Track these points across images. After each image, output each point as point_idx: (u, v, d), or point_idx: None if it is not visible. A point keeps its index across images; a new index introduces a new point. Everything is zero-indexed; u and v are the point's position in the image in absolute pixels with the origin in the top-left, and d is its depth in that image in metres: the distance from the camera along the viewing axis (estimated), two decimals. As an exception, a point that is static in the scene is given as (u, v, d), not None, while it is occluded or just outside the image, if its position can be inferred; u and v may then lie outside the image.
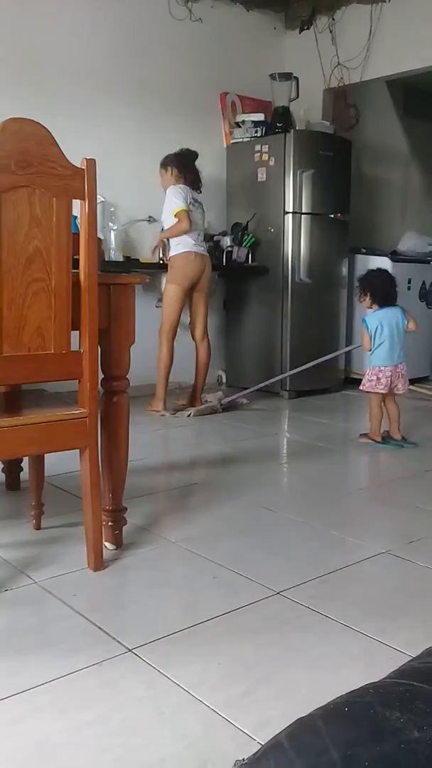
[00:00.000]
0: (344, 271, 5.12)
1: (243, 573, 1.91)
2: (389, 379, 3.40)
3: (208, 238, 4.94)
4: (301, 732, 0.70)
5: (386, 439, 3.44)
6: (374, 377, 3.43)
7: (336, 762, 0.65)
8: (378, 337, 3.41)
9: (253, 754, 0.72)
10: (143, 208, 4.72)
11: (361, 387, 3.50)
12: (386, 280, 3.54)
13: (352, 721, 0.70)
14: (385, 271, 3.72)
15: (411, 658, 0.95)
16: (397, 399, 3.49)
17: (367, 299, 3.48)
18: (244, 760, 0.80)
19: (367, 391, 3.46)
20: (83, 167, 1.75)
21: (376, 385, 3.41)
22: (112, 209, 4.50)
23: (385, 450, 3.36)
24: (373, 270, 3.66)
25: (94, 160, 1.77)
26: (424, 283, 5.55)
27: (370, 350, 3.45)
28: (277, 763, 0.68)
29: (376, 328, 3.42)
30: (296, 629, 1.62)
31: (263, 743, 1.17)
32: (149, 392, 4.68)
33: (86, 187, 1.75)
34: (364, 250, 5.32)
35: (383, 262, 5.15)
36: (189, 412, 4.07)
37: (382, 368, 3.41)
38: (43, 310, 1.73)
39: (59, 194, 1.71)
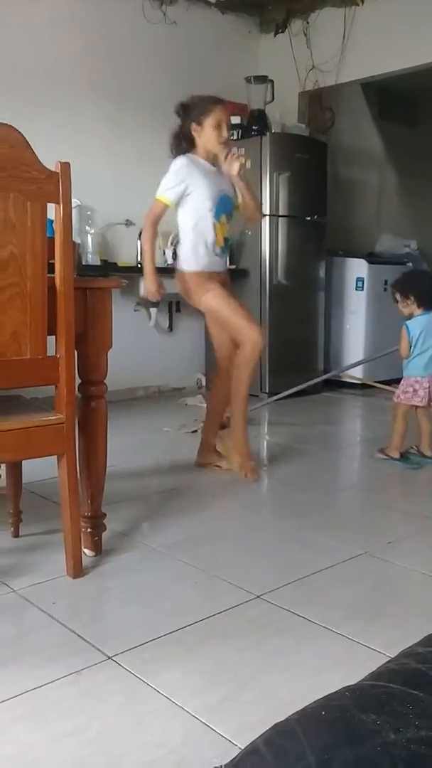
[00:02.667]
0: (322, 273, 5.14)
1: (223, 577, 1.91)
2: (427, 390, 3.09)
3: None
4: (278, 737, 0.69)
5: (405, 456, 3.15)
6: (410, 388, 3.12)
7: (313, 766, 0.64)
8: (420, 345, 3.10)
9: (231, 761, 0.72)
10: (120, 211, 4.71)
11: (395, 399, 3.18)
12: (430, 281, 3.25)
13: (328, 724, 0.69)
14: (428, 272, 3.48)
15: (389, 659, 0.95)
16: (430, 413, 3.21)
17: (411, 303, 3.14)
18: (221, 766, 0.80)
19: (402, 403, 3.14)
20: (57, 171, 1.74)
21: (413, 397, 3.10)
22: (88, 213, 4.48)
23: (403, 468, 3.08)
24: (413, 271, 3.28)
25: (68, 163, 1.76)
26: (400, 284, 5.59)
27: (408, 357, 3.13)
28: None
29: (420, 333, 3.10)
30: (276, 632, 1.62)
31: (243, 748, 1.17)
32: (127, 397, 4.67)
33: (61, 190, 1.74)
34: (341, 252, 5.35)
35: (360, 264, 5.19)
36: (195, 428, 3.76)
37: (419, 379, 3.10)
38: (19, 315, 1.71)
39: (33, 198, 1.70)
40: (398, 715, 0.68)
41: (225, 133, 2.85)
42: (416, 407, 3.14)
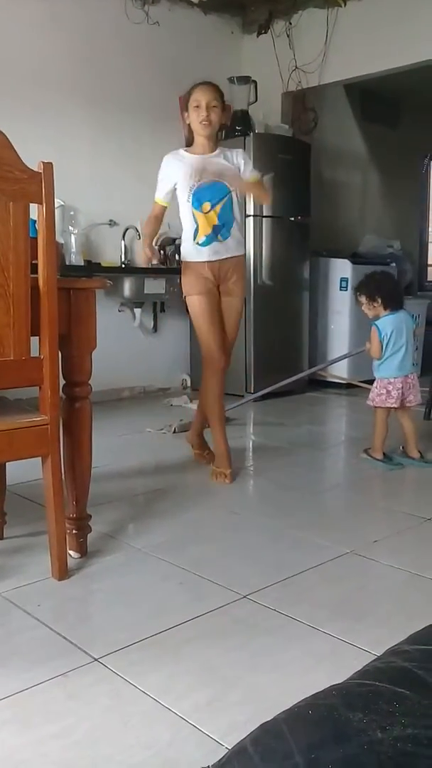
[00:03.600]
0: (306, 273, 5.16)
1: (209, 577, 1.91)
2: (400, 391, 3.05)
3: (169, 241, 4.94)
4: (265, 737, 0.69)
5: (389, 457, 3.11)
6: (384, 390, 3.07)
7: (300, 766, 0.64)
8: (391, 345, 3.07)
9: (218, 761, 0.72)
10: (104, 211, 4.70)
11: (369, 402, 3.14)
12: (395, 281, 3.20)
13: (315, 724, 0.69)
14: (390, 273, 3.46)
15: (375, 657, 0.95)
16: (409, 412, 3.17)
17: (378, 305, 3.13)
18: (209, 767, 0.79)
19: (376, 407, 3.11)
20: (40, 171, 1.73)
21: (386, 399, 3.05)
22: (71, 213, 4.46)
23: (384, 469, 3.05)
24: (375, 273, 3.28)
25: (51, 163, 1.75)
26: (384, 284, 5.62)
27: (380, 358, 3.09)
28: None
29: (391, 333, 3.07)
30: (263, 632, 1.62)
31: (231, 748, 1.17)
32: (112, 397, 4.65)
33: (43, 190, 1.73)
34: (325, 253, 5.37)
35: (344, 265, 5.21)
36: (173, 428, 3.79)
37: (392, 380, 3.06)
38: (2, 316, 1.70)
39: (16, 198, 1.69)
40: (385, 713, 0.68)
41: (203, 113, 2.81)
42: (389, 408, 3.10)
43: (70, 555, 1.97)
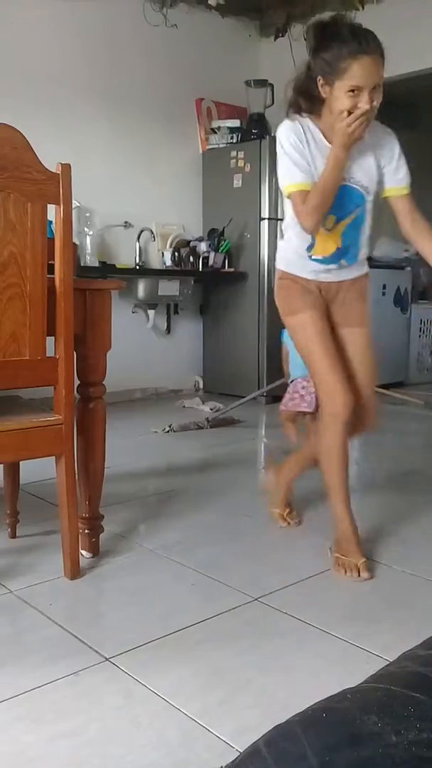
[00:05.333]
0: (320, 276, 5.15)
1: (220, 579, 1.91)
2: (313, 395, 2.42)
3: (184, 243, 4.95)
4: (279, 738, 0.69)
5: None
6: (296, 394, 2.51)
7: (314, 767, 0.64)
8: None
9: (231, 762, 0.72)
10: (119, 213, 4.72)
11: (281, 407, 2.59)
12: None
13: (330, 726, 0.69)
14: None
15: (388, 662, 0.95)
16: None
17: None
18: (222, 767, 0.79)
19: (294, 412, 2.56)
20: (58, 172, 1.74)
21: (300, 403, 2.50)
22: (87, 214, 4.49)
23: None
24: None
25: (69, 164, 1.76)
26: (398, 288, 5.61)
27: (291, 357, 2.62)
28: None
29: None
30: (274, 635, 1.62)
31: (241, 750, 1.16)
32: (124, 398, 4.67)
33: (61, 191, 1.74)
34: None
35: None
36: (171, 426, 3.79)
37: (304, 382, 2.45)
38: (18, 316, 1.71)
39: (34, 199, 1.70)
40: (400, 717, 0.68)
41: (365, 99, 1.87)
42: (304, 414, 2.54)
43: (82, 554, 1.98)
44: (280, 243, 2.14)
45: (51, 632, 1.61)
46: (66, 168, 1.75)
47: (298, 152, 1.91)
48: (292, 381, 2.85)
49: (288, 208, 2.02)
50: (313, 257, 2.04)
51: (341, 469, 2.03)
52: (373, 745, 0.66)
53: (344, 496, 2.06)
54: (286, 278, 2.10)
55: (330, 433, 2.02)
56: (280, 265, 2.12)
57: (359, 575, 1.94)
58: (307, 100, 1.96)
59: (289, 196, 1.94)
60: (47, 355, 1.78)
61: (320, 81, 1.89)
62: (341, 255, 2.05)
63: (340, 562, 1.99)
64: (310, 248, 2.03)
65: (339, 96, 1.86)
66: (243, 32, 5.45)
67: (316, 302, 2.06)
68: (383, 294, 5.41)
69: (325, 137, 1.93)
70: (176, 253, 4.85)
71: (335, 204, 1.94)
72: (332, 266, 2.06)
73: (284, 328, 2.99)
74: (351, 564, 1.97)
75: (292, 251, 2.08)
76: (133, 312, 4.86)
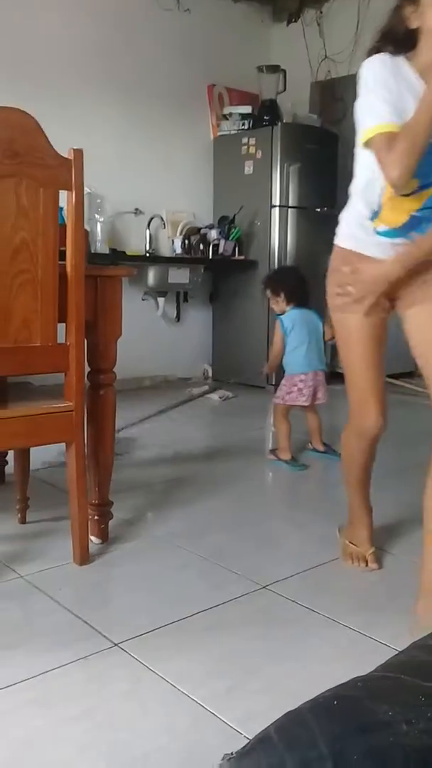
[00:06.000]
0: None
1: (229, 567, 1.91)
2: (312, 388, 2.98)
3: (194, 231, 4.93)
4: (290, 725, 0.69)
5: (295, 457, 3.00)
6: (294, 388, 2.98)
7: (325, 755, 0.64)
8: (292, 339, 3.01)
9: (242, 748, 0.72)
10: (130, 200, 4.70)
11: (277, 401, 3.03)
12: (300, 277, 3.21)
13: (341, 714, 0.69)
14: (297, 268, 3.38)
15: (396, 651, 0.95)
16: (316, 408, 3.09)
17: (281, 300, 3.09)
18: (232, 753, 0.80)
19: (290, 405, 3.00)
20: (70, 158, 1.73)
21: (297, 398, 2.97)
22: (98, 201, 4.47)
23: (289, 470, 2.92)
24: (283, 267, 3.24)
25: (81, 150, 1.75)
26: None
27: (281, 353, 3.03)
28: (266, 757, 0.67)
29: (291, 327, 3.01)
30: (282, 623, 1.62)
31: (250, 737, 1.17)
32: (133, 386, 4.67)
33: (73, 177, 1.73)
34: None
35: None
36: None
37: (302, 376, 2.98)
38: (30, 302, 1.71)
39: (46, 185, 1.70)
40: (410, 706, 0.68)
41: None
42: (302, 407, 3.00)
43: (91, 540, 1.98)
44: (342, 215, 1.76)
45: (60, 617, 1.62)
46: (78, 153, 1.74)
47: (387, 88, 1.52)
48: (287, 376, 2.96)
49: (361, 164, 1.65)
50: (378, 229, 1.66)
51: (362, 471, 1.95)
52: (384, 733, 0.66)
53: (364, 492, 1.99)
54: (348, 256, 1.71)
55: (354, 447, 1.91)
56: (342, 240, 1.75)
57: (367, 566, 1.92)
58: (394, 43, 1.57)
59: (368, 143, 1.55)
60: (58, 341, 1.78)
61: (406, 6, 1.53)
62: (413, 226, 1.63)
63: (349, 551, 1.96)
64: (374, 217, 1.65)
65: (429, 8, 1.48)
66: (255, 17, 5.39)
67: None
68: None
69: (420, 77, 1.53)
70: (186, 241, 4.83)
71: (422, 166, 1.51)
72: (400, 240, 1.65)
73: (280, 315, 3.05)
74: (359, 553, 1.94)
75: (356, 222, 1.69)
76: (142, 299, 4.85)
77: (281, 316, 3.11)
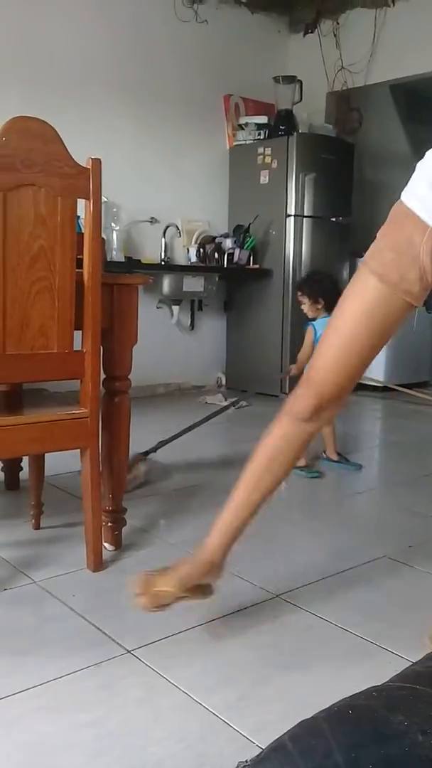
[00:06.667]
0: (345, 275, 5.12)
1: (242, 576, 1.91)
2: None
3: (209, 239, 4.95)
4: (305, 734, 0.69)
5: (309, 464, 3.02)
6: None
7: (340, 765, 0.64)
8: None
9: (256, 756, 0.72)
10: (145, 209, 4.73)
11: None
12: (336, 285, 3.16)
13: (356, 724, 0.69)
14: (331, 275, 3.40)
15: (410, 662, 0.94)
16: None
17: (320, 307, 3.06)
18: (246, 761, 0.79)
19: None
20: (88, 167, 1.75)
21: None
22: (114, 209, 4.50)
23: (300, 477, 2.93)
24: (319, 273, 3.23)
25: (99, 159, 1.77)
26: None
27: (309, 358, 2.79)
28: (281, 765, 0.67)
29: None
30: (295, 632, 1.62)
31: (262, 746, 1.17)
32: (147, 393, 4.68)
33: (91, 186, 1.75)
34: (365, 255, 5.32)
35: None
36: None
37: None
38: (47, 309, 1.73)
39: (64, 193, 1.71)
40: (426, 717, 0.68)
41: None
42: None
43: (105, 547, 1.99)
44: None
45: (73, 623, 1.63)
46: (96, 163, 1.75)
47: None
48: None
49: None
50: None
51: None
52: (399, 743, 0.66)
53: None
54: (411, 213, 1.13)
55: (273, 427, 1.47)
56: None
57: None
58: None
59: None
60: (74, 348, 1.79)
61: None
62: None
63: None
64: None
65: None
66: (272, 28, 5.43)
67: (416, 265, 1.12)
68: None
69: None
70: (201, 249, 4.85)
71: None
72: None
73: (312, 320, 3.03)
74: None
75: None
76: (157, 307, 4.87)
77: (314, 323, 3.09)
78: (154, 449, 3.02)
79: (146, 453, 2.97)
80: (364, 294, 1.23)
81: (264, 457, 1.50)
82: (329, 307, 3.08)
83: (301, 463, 3.00)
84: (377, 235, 1.24)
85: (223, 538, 1.54)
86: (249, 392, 4.58)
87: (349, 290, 1.26)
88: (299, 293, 3.22)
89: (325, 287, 3.14)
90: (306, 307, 3.15)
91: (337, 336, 1.27)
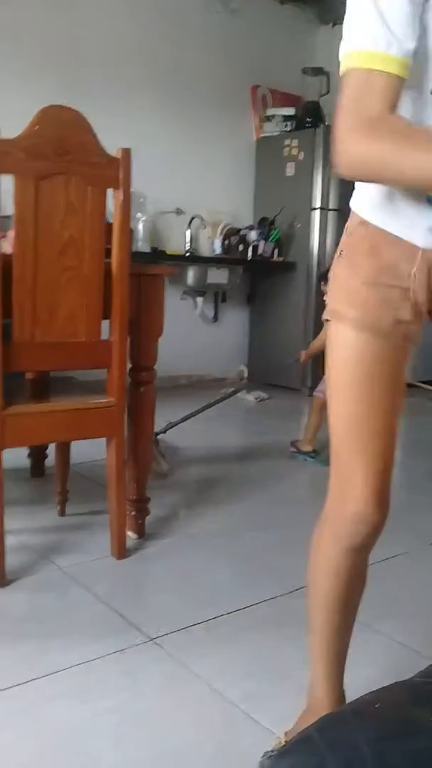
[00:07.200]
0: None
1: (263, 568, 1.92)
2: None
3: (234, 231, 4.94)
4: (332, 726, 0.70)
5: (317, 451, 3.05)
6: None
7: (367, 758, 0.65)
8: None
9: (282, 747, 0.73)
10: (171, 199, 4.73)
11: (318, 394, 3.05)
12: None
13: (382, 718, 0.70)
14: None
15: (428, 659, 0.94)
16: None
17: None
18: (273, 751, 0.80)
19: (321, 396, 3.00)
20: (119, 157, 1.75)
21: None
22: (141, 200, 4.50)
23: (313, 465, 2.99)
24: None
25: (129, 149, 1.77)
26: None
27: (323, 350, 2.96)
28: (307, 756, 0.68)
29: None
30: (317, 625, 1.62)
31: (281, 737, 1.18)
32: (169, 384, 4.69)
33: (121, 176, 1.75)
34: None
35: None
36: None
37: None
38: (76, 299, 1.74)
39: (94, 183, 1.72)
40: None
41: None
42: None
43: (128, 535, 2.00)
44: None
45: (97, 610, 1.65)
46: (126, 153, 1.76)
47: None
48: None
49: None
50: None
51: (338, 612, 1.18)
52: (425, 738, 0.66)
53: (336, 659, 1.20)
54: (368, 235, 0.99)
55: (329, 560, 1.19)
56: (359, 205, 1.03)
57: None
58: None
59: (345, 74, 0.89)
60: (101, 338, 1.80)
61: None
62: None
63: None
64: None
65: None
66: (301, 19, 5.38)
67: (392, 310, 0.96)
68: None
69: None
70: (226, 241, 4.84)
71: None
72: None
73: None
74: None
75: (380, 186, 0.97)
76: (181, 299, 4.87)
77: None
78: (164, 430, 3.03)
79: (156, 434, 2.99)
80: (347, 352, 1.04)
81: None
82: None
83: (308, 448, 3.06)
84: None
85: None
86: (268, 385, 4.57)
87: (332, 359, 1.07)
88: (322, 283, 3.23)
89: None
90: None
91: (341, 422, 1.09)
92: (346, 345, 1.00)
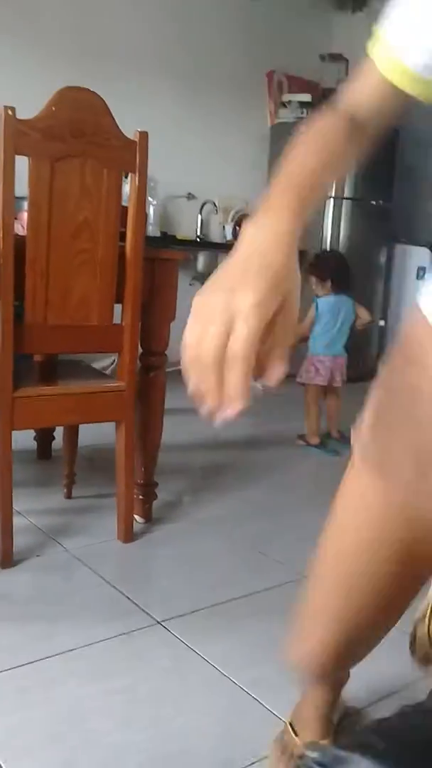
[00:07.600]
0: (382, 259, 5.06)
1: (269, 554, 1.92)
2: (329, 370, 3.11)
3: (246, 217, 4.90)
4: (396, 735, 0.69)
5: (324, 442, 3.14)
6: (312, 367, 3.12)
7: None
8: (324, 323, 3.11)
9: (336, 753, 0.71)
10: (183, 184, 4.70)
11: (299, 379, 3.14)
12: (344, 263, 3.26)
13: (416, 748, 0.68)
14: (339, 253, 3.45)
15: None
16: (338, 393, 3.22)
17: (327, 286, 3.14)
18: (315, 756, 0.74)
19: (304, 383, 3.15)
20: (135, 140, 1.74)
21: (315, 377, 3.11)
22: (152, 184, 4.47)
23: (322, 455, 3.02)
24: (327, 253, 3.38)
25: (146, 132, 1.76)
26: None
27: (305, 334, 3.10)
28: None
29: (327, 312, 3.11)
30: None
31: (290, 723, 1.18)
32: (175, 369, 4.69)
33: (138, 159, 1.74)
34: (404, 240, 5.24)
35: (423, 253, 5.08)
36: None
37: (322, 358, 3.12)
38: (89, 282, 1.73)
39: (110, 166, 1.71)
40: None
41: None
42: (324, 388, 3.16)
43: (135, 519, 2.01)
44: None
45: (104, 592, 1.65)
46: (144, 136, 1.75)
47: None
48: (309, 356, 3.12)
49: None
50: None
51: None
52: None
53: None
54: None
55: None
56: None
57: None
58: None
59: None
60: (113, 322, 1.80)
61: None
62: None
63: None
64: None
65: None
66: (320, 5, 5.31)
67: None
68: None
69: None
70: (237, 227, 4.81)
71: None
72: None
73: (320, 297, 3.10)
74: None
75: None
76: (190, 284, 4.84)
77: (319, 300, 3.17)
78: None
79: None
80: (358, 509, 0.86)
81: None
82: (336, 287, 3.19)
83: (315, 441, 3.10)
84: None
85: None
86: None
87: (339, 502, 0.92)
88: (307, 274, 3.25)
89: (330, 268, 3.23)
90: (315, 286, 3.22)
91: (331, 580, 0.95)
92: None
